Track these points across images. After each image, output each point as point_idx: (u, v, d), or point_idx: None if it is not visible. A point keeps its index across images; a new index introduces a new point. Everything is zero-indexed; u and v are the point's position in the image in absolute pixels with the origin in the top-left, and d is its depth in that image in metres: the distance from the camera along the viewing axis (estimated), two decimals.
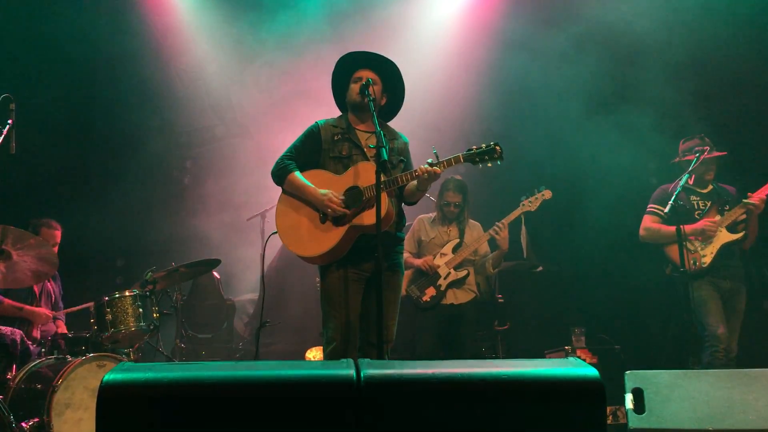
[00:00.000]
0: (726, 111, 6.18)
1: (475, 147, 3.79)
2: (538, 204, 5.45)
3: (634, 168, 6.71)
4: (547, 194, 5.45)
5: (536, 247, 6.42)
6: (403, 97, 4.16)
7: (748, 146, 6.19)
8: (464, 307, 5.58)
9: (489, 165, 3.78)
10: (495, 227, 5.49)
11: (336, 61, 4.12)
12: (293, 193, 3.97)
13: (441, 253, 5.57)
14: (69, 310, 5.85)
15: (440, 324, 5.52)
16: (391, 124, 4.21)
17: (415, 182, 3.85)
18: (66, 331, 5.61)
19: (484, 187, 7.02)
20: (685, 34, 6.48)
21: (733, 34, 6.40)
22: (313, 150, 4.02)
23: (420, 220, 5.80)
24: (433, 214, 5.82)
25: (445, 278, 5.50)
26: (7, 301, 5.35)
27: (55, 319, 5.77)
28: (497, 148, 3.76)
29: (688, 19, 6.44)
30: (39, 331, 5.49)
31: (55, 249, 5.54)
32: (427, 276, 5.51)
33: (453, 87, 7.88)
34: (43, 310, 5.55)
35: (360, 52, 4.10)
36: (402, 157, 4.05)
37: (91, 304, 5.41)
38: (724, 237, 5.25)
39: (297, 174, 3.95)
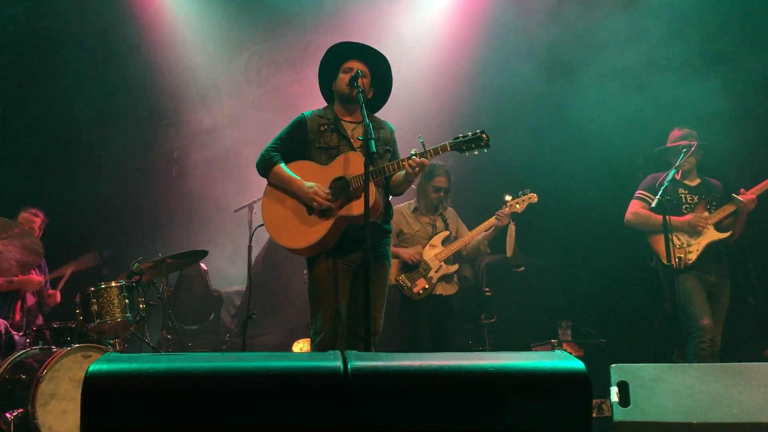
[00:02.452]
0: (720, 105, 6.19)
1: (461, 135, 3.78)
2: (524, 206, 5.41)
3: (620, 162, 6.74)
4: (533, 198, 5.38)
5: (523, 243, 6.43)
6: (390, 92, 4.14)
7: (740, 141, 6.20)
8: (451, 299, 5.59)
9: (476, 153, 3.77)
10: (497, 216, 5.43)
11: (325, 50, 4.10)
12: (279, 185, 3.96)
13: (430, 245, 5.54)
14: (55, 273, 5.85)
15: (430, 315, 5.52)
16: (380, 113, 4.20)
17: (402, 173, 3.83)
18: (56, 294, 5.65)
19: (470, 182, 7.03)
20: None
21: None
22: (299, 141, 4.00)
23: (398, 211, 5.64)
24: (410, 203, 5.71)
25: (436, 271, 5.48)
26: None
27: (43, 291, 5.76)
28: (483, 135, 3.75)
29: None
30: (24, 316, 5.47)
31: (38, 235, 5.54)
32: (417, 266, 5.48)
33: (441, 79, 7.88)
34: (34, 277, 5.56)
35: (352, 43, 4.08)
36: (388, 147, 4.04)
37: (69, 268, 5.45)
38: (711, 235, 5.25)
39: (282, 166, 3.93)
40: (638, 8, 6.86)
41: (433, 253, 5.51)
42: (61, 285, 5.94)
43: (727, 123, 5.94)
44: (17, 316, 5.45)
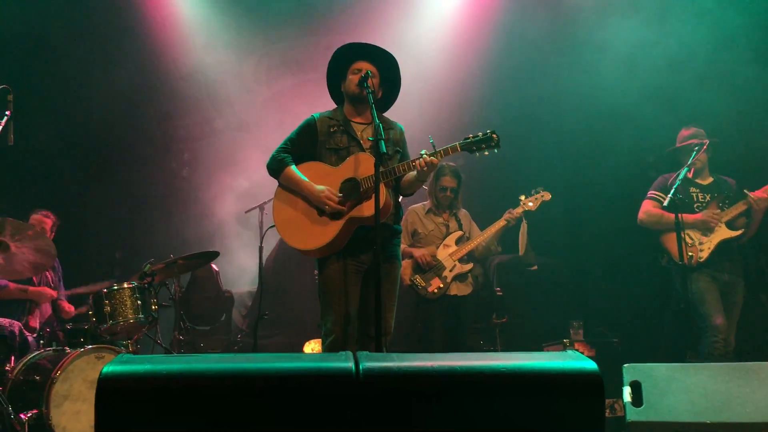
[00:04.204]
0: (729, 102, 6.15)
1: (471, 135, 3.77)
2: (538, 204, 5.43)
3: (632, 161, 6.71)
4: (546, 196, 5.43)
5: (534, 242, 6.42)
6: (399, 92, 4.13)
7: (753, 138, 6.16)
8: (465, 299, 5.58)
9: (486, 153, 3.76)
10: (507, 216, 5.44)
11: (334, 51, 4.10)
12: (290, 187, 3.96)
13: (444, 245, 5.54)
14: (76, 290, 5.90)
15: (444, 315, 5.51)
16: (390, 113, 4.19)
17: (413, 173, 3.83)
18: (71, 309, 5.67)
19: (481, 181, 7.01)
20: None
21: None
22: (308, 142, 3.99)
23: (413, 211, 5.70)
24: (425, 204, 5.73)
25: (450, 270, 5.47)
26: (11, 284, 5.38)
27: (57, 301, 5.80)
28: (494, 136, 3.74)
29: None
30: (38, 321, 5.51)
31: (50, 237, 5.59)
32: (431, 266, 5.47)
33: (451, 78, 7.87)
34: (47, 289, 5.62)
35: (360, 44, 4.07)
36: (398, 148, 4.03)
37: (97, 287, 5.49)
38: (723, 233, 5.23)
39: (293, 168, 3.93)
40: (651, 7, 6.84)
41: (447, 252, 5.50)
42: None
43: (742, 121, 5.93)
44: (32, 322, 5.49)
